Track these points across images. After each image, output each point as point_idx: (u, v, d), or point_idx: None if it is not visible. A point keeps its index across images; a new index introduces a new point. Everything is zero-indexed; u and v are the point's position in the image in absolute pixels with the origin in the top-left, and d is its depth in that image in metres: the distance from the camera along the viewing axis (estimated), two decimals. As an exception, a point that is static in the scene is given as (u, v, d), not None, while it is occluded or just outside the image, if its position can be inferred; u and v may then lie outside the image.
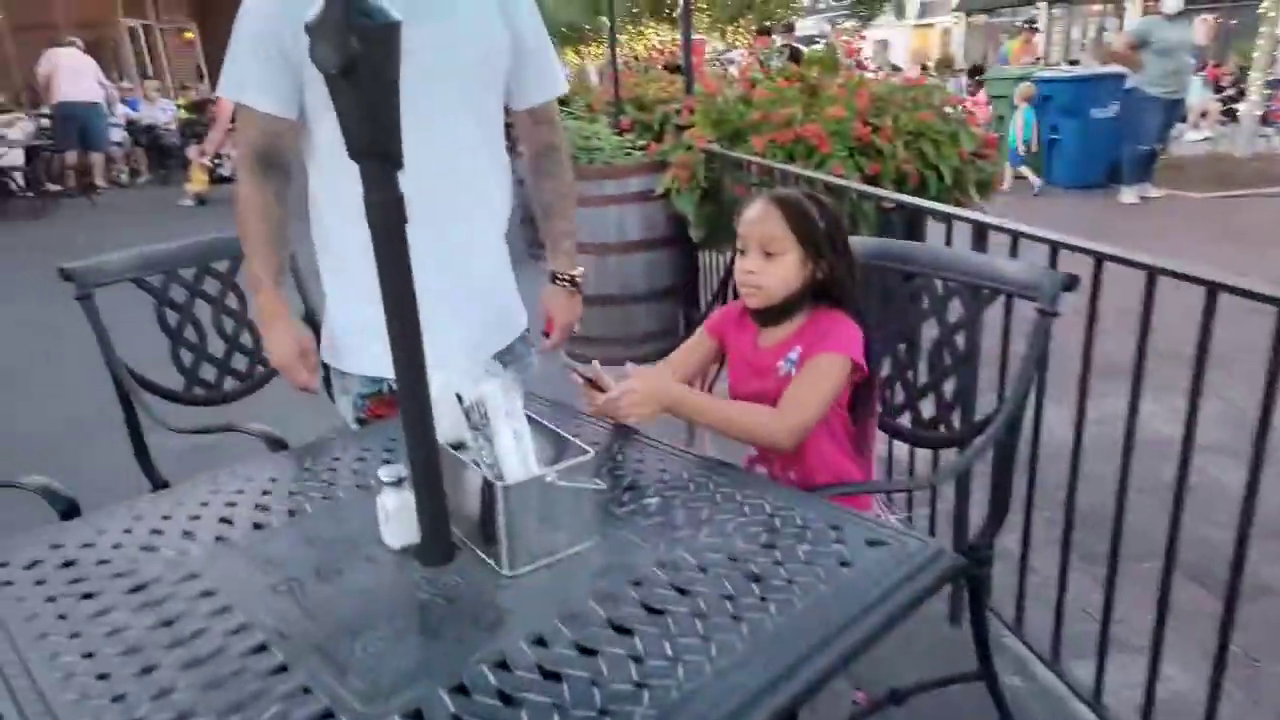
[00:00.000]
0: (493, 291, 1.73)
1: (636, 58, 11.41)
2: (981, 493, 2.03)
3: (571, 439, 1.19)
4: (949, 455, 2.11)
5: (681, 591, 1.03)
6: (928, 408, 1.81)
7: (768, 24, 10.62)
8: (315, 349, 1.64)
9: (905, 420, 1.86)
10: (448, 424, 1.12)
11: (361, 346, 1.61)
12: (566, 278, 1.82)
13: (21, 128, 9.62)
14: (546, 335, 1.88)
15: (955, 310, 1.74)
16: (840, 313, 1.54)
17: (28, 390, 3.97)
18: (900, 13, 17.34)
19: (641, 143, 4.24)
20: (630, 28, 16.54)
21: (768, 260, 1.50)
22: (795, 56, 6.92)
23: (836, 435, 1.60)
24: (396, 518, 1.11)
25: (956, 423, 1.78)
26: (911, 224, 3.11)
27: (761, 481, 1.34)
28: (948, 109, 3.93)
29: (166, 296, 1.97)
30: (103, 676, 0.91)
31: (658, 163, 3.99)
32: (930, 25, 30.08)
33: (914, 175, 3.63)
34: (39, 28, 11.28)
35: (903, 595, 1.04)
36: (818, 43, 7.52)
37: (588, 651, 0.93)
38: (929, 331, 1.78)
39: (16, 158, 8.95)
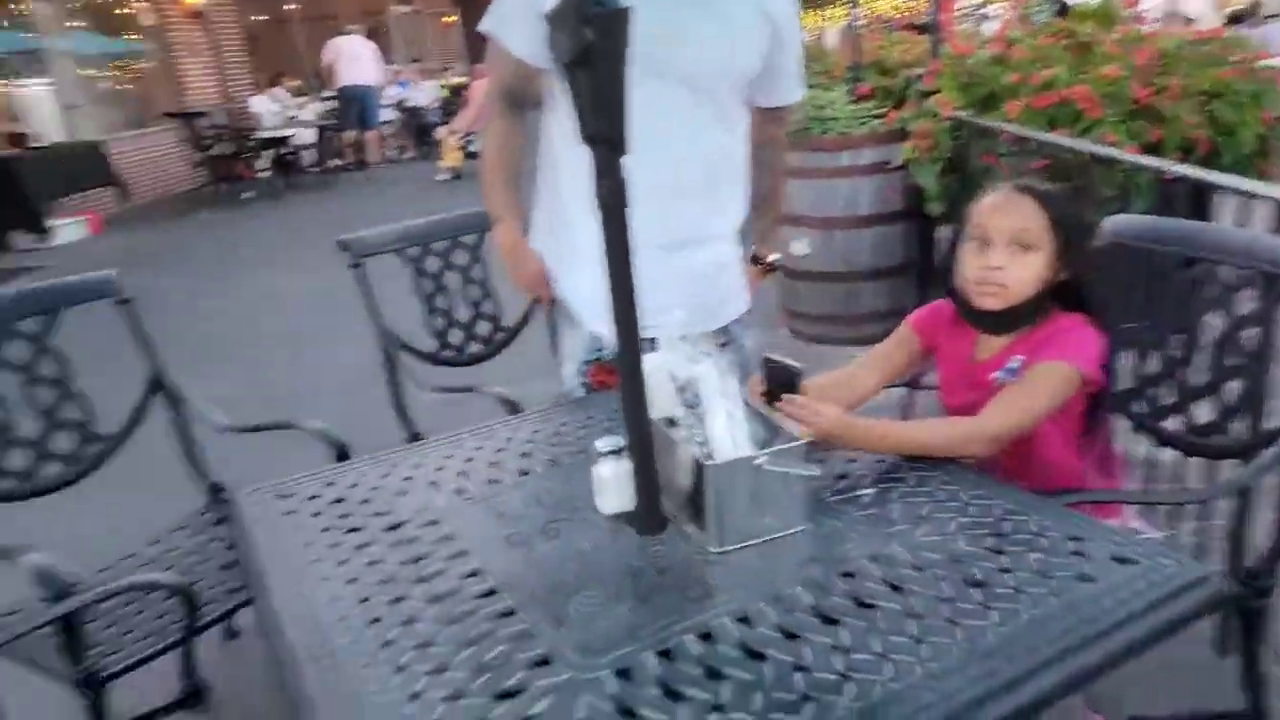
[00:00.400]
0: (720, 275, 1.77)
1: (880, 18, 10.86)
2: (1269, 510, 1.77)
3: (785, 425, 1.18)
4: (1224, 465, 1.86)
5: (894, 588, 1.00)
6: (1203, 411, 1.61)
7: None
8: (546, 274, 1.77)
9: (1174, 423, 1.66)
10: (665, 400, 1.15)
11: (587, 308, 1.69)
12: (766, 263, 1.90)
13: (312, 109, 10.95)
14: None
15: (1245, 302, 1.52)
16: (1079, 316, 1.38)
17: (314, 348, 4.55)
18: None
19: (880, 111, 4.05)
20: (875, -13, 15.76)
21: (1016, 257, 1.36)
22: (1063, 10, 6.26)
23: (1069, 438, 1.46)
24: (611, 486, 1.16)
25: (1240, 430, 1.56)
26: (1197, 200, 2.74)
27: (991, 482, 1.25)
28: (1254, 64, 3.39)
29: (422, 266, 2.17)
30: (363, 601, 1.03)
31: (896, 132, 3.79)
32: (1233, -35, 26.02)
33: (1204, 142, 3.19)
34: (324, 18, 12.72)
35: (1151, 621, 0.94)
36: (1045, 10, 6.74)
37: (791, 636, 0.92)
38: (1207, 324, 1.57)
39: (308, 136, 10.22)
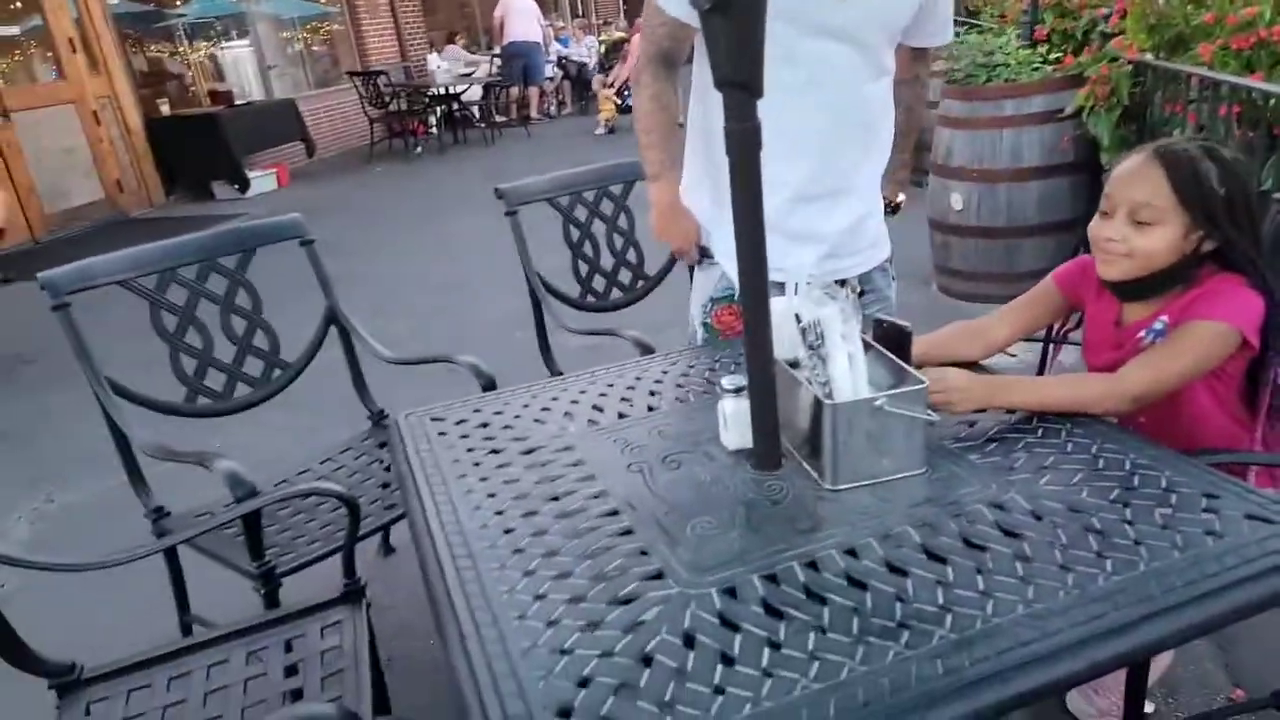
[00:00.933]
0: (864, 218, 1.76)
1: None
2: None
3: (910, 369, 1.19)
4: None
5: (1007, 533, 1.00)
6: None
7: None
8: (700, 230, 1.80)
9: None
10: (788, 342, 1.19)
11: (725, 248, 1.73)
12: (891, 206, 1.88)
13: (484, 66, 11.38)
14: None
15: None
16: (1234, 278, 1.28)
17: (473, 293, 4.83)
18: None
19: (1055, 56, 3.80)
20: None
21: (1136, 229, 1.28)
22: None
23: (1224, 399, 1.37)
24: (734, 422, 1.21)
25: None
26: None
27: (1129, 435, 1.21)
28: None
29: (571, 214, 2.27)
30: (499, 513, 1.15)
31: (1071, 77, 3.55)
32: None
33: None
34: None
35: (1275, 581, 0.91)
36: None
37: (897, 571, 0.96)
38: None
39: (476, 93, 10.65)
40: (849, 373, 1.14)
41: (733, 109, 1.01)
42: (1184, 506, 1.03)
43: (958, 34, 4.87)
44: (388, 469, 1.95)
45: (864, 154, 1.70)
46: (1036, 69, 3.71)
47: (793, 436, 1.20)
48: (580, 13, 15.63)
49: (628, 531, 1.07)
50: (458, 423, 1.44)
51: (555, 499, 1.17)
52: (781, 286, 1.67)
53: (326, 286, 2.12)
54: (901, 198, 1.91)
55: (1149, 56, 3.29)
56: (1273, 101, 2.78)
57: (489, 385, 1.79)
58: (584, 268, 2.31)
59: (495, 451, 1.33)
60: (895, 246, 1.85)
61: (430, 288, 5.06)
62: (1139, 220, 1.28)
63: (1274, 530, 0.96)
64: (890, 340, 1.28)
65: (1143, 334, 1.36)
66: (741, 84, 1.00)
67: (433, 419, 1.47)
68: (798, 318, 1.16)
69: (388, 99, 9.45)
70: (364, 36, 10.80)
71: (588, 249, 2.29)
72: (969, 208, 3.69)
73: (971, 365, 1.46)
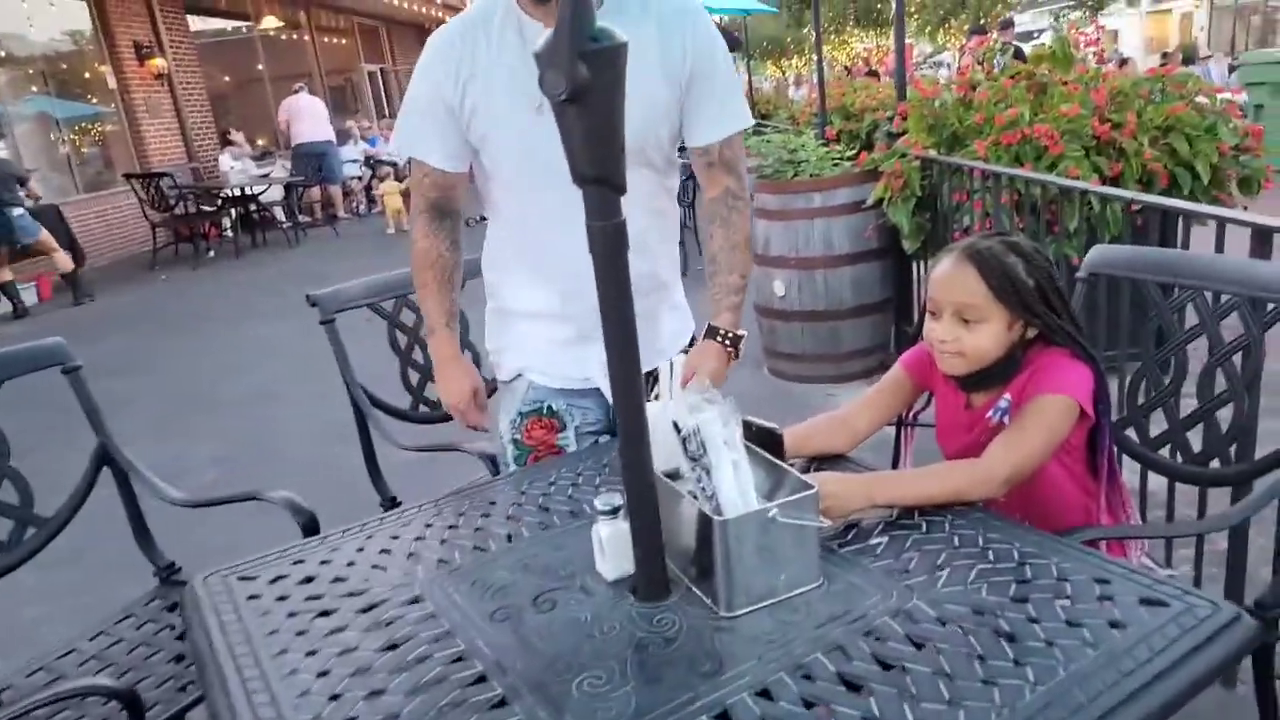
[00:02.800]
0: (657, 318, 1.64)
1: (843, 67, 11.12)
2: (1266, 539, 1.73)
3: (790, 470, 1.11)
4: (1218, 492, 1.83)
5: (919, 646, 0.93)
6: (1195, 440, 1.58)
7: (983, 22, 9.98)
8: (484, 390, 1.68)
9: (1167, 453, 1.63)
10: (664, 452, 1.08)
11: (523, 357, 1.63)
12: (728, 336, 1.55)
13: (281, 165, 10.90)
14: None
15: (1231, 328, 1.50)
16: (1061, 351, 1.33)
17: (285, 407, 4.42)
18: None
19: (850, 153, 4.08)
20: (833, 36, 16.20)
21: (965, 327, 1.32)
22: (1019, 55, 6.40)
23: (1073, 471, 1.41)
24: (611, 548, 1.08)
25: (1233, 458, 1.54)
26: (1164, 230, 2.77)
27: (1005, 522, 1.19)
28: (1201, 98, 3.47)
29: (397, 319, 2.09)
30: (334, 698, 0.93)
31: (868, 172, 3.82)
32: (1167, 11, 27.23)
33: (1163, 175, 3.24)
34: (295, 77, 12.73)
35: (1192, 669, 0.88)
36: (1037, 38, 6.97)
37: (815, 706, 0.85)
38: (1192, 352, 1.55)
39: (276, 193, 10.15)
40: (735, 483, 1.04)
41: (594, 206, 0.92)
42: (1080, 596, 0.99)
43: (761, 132, 5.19)
44: (181, 637, 1.61)
45: (648, 258, 1.56)
46: (836, 164, 3.96)
47: (677, 557, 1.08)
48: (387, 113, 15.48)
49: (501, 703, 0.90)
50: (274, 580, 1.20)
51: (405, 670, 0.97)
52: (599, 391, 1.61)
53: (96, 419, 1.79)
54: (744, 332, 1.58)
55: (933, 153, 3.60)
56: (1039, 189, 3.09)
57: (310, 525, 1.54)
58: (414, 375, 2.12)
59: (325, 614, 1.10)
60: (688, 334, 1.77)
61: (233, 403, 4.58)
62: (965, 319, 1.32)
63: (1171, 614, 0.94)
64: (762, 443, 1.21)
65: (990, 414, 1.38)
66: (601, 180, 0.91)
67: (241, 578, 1.21)
68: (676, 426, 1.06)
69: (173, 202, 8.77)
70: (143, 137, 10.06)
71: (418, 355, 2.11)
72: (791, 293, 3.83)
73: (835, 459, 1.42)
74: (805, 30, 17.10)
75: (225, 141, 10.87)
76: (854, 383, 3.92)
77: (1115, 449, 1.44)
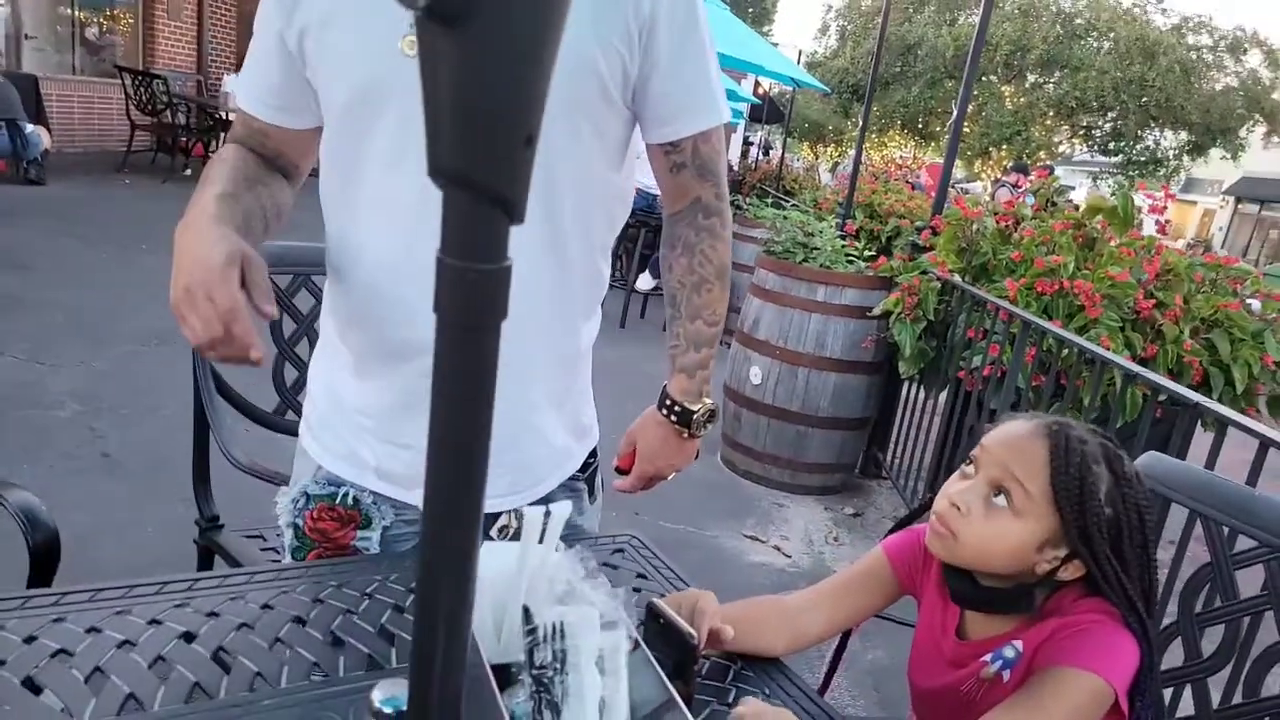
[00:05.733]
0: (537, 429, 1.14)
1: (876, 167, 10.98)
2: None
3: (677, 697, 0.70)
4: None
5: None
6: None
7: (1025, 161, 9.87)
8: (259, 269, 0.88)
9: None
10: (505, 630, 0.67)
11: (329, 431, 1.15)
12: (678, 408, 1.16)
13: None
14: (619, 472, 1.26)
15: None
16: (1104, 610, 0.93)
17: (173, 356, 3.93)
18: (1167, 180, 15.95)
19: (869, 253, 3.75)
20: (875, 136, 16.19)
21: (986, 510, 0.94)
22: (1021, 169, 6.13)
23: None
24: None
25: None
26: (1172, 428, 2.46)
27: None
28: (1253, 301, 3.18)
29: (289, 300, 1.68)
30: None
31: (882, 279, 3.48)
32: (1193, 202, 27.86)
33: (1197, 370, 2.92)
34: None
35: None
36: (1065, 194, 6.80)
37: None
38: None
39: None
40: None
41: (456, 228, 0.49)
42: None
43: (780, 207, 4.86)
44: None
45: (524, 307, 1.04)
46: (851, 261, 3.62)
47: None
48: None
49: None
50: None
51: None
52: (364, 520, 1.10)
53: None
54: (703, 407, 1.17)
55: (958, 278, 3.27)
56: (1065, 351, 2.75)
57: (45, 551, 1.09)
58: (291, 374, 1.70)
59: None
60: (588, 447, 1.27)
61: (124, 336, 4.06)
62: (996, 495, 0.94)
63: None
64: (664, 642, 0.80)
65: (988, 659, 0.98)
66: (477, 181, 0.48)
67: None
68: (527, 614, 0.65)
69: (161, 106, 8.27)
70: (155, 36, 9.58)
71: (304, 349, 1.68)
72: (767, 384, 3.45)
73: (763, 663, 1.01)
74: (850, 120, 17.12)
75: (241, 65, 10.44)
76: (807, 497, 3.54)
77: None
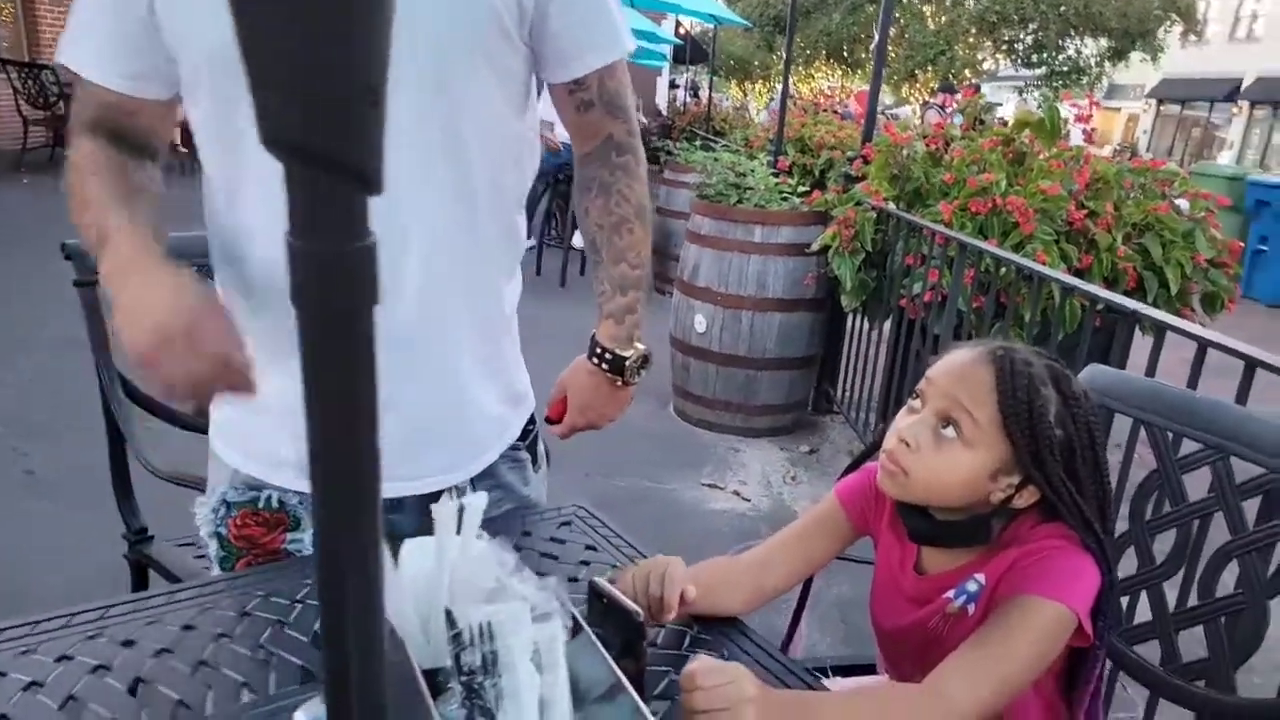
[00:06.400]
0: (471, 400, 1.09)
1: (804, 99, 10.90)
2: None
3: (623, 679, 0.66)
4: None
5: None
6: (1192, 644, 1.21)
7: (952, 81, 9.88)
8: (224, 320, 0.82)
9: (1145, 650, 1.26)
10: (432, 635, 0.62)
11: (239, 431, 1.07)
12: (608, 356, 1.12)
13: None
14: (550, 422, 1.22)
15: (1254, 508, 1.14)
16: (1063, 534, 0.92)
17: (88, 362, 3.77)
18: (1090, 88, 16.16)
19: (802, 189, 3.71)
20: (800, 68, 16.05)
21: (936, 442, 0.91)
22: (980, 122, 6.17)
23: (1042, 687, 1.00)
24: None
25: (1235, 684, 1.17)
26: (1111, 337, 2.49)
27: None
28: (1182, 201, 3.22)
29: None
30: None
31: (817, 214, 3.45)
32: (1117, 109, 28.37)
33: (1131, 276, 2.95)
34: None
35: None
36: (993, 110, 6.82)
37: None
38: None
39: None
40: (540, 732, 0.58)
41: (301, 203, 0.41)
42: None
43: (710, 148, 4.78)
44: None
45: (422, 268, 0.97)
46: (785, 198, 3.58)
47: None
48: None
49: None
50: None
51: None
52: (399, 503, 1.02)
53: None
54: (635, 352, 1.12)
55: (892, 206, 3.24)
56: (1003, 270, 2.75)
57: None
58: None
59: None
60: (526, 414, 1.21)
61: (36, 343, 3.84)
62: (944, 427, 0.91)
63: None
64: (610, 622, 0.76)
65: (950, 595, 0.96)
66: (317, 149, 0.40)
67: None
68: (450, 618, 0.59)
69: (53, 99, 7.82)
70: (38, 22, 9.01)
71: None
72: (711, 331, 3.41)
73: (723, 622, 0.99)
74: (775, 55, 16.95)
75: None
76: (761, 439, 3.54)
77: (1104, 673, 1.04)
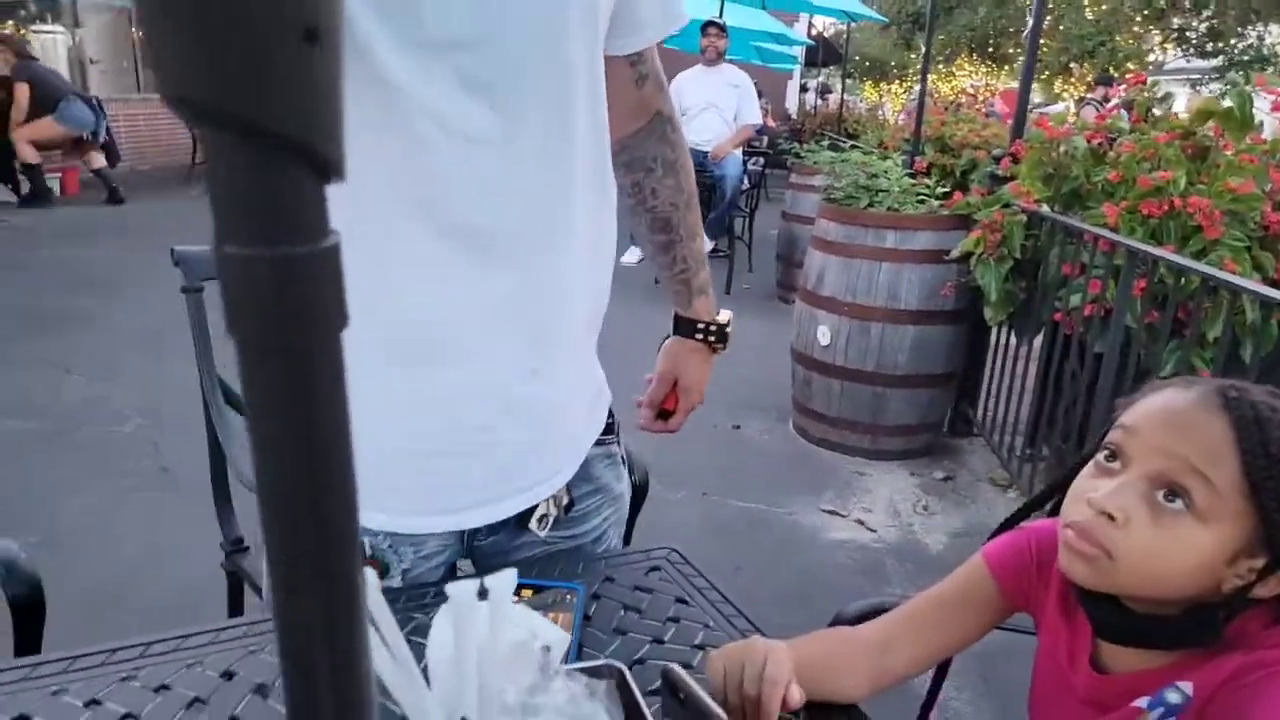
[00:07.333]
0: (586, 394, 1.00)
1: (947, 98, 10.34)
2: None
3: None
4: None
5: None
6: None
7: (1110, 73, 9.07)
8: None
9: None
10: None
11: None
12: (711, 327, 1.12)
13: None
14: (664, 414, 1.19)
15: None
16: None
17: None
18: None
19: (941, 191, 3.41)
20: (941, 66, 15.31)
21: (1152, 514, 0.68)
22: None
23: None
24: None
25: None
26: None
27: None
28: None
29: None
30: None
31: (959, 218, 3.14)
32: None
33: (1341, 291, 2.51)
34: None
35: None
36: (1168, 100, 6.16)
37: None
38: None
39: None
40: None
41: (231, 185, 0.25)
42: None
43: (839, 148, 4.52)
44: None
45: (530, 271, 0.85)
46: (922, 201, 3.29)
47: None
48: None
49: None
50: None
51: None
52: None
53: None
54: (727, 316, 1.14)
55: (1046, 208, 2.91)
56: (1183, 280, 2.39)
57: (26, 607, 0.96)
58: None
59: None
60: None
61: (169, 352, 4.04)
62: (1167, 497, 0.67)
63: None
64: (688, 718, 0.59)
65: (1144, 705, 0.73)
66: (241, 114, 0.22)
67: None
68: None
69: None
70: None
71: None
72: (837, 343, 3.17)
73: (838, 711, 0.79)
74: (912, 54, 16.27)
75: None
76: (890, 463, 3.26)
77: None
